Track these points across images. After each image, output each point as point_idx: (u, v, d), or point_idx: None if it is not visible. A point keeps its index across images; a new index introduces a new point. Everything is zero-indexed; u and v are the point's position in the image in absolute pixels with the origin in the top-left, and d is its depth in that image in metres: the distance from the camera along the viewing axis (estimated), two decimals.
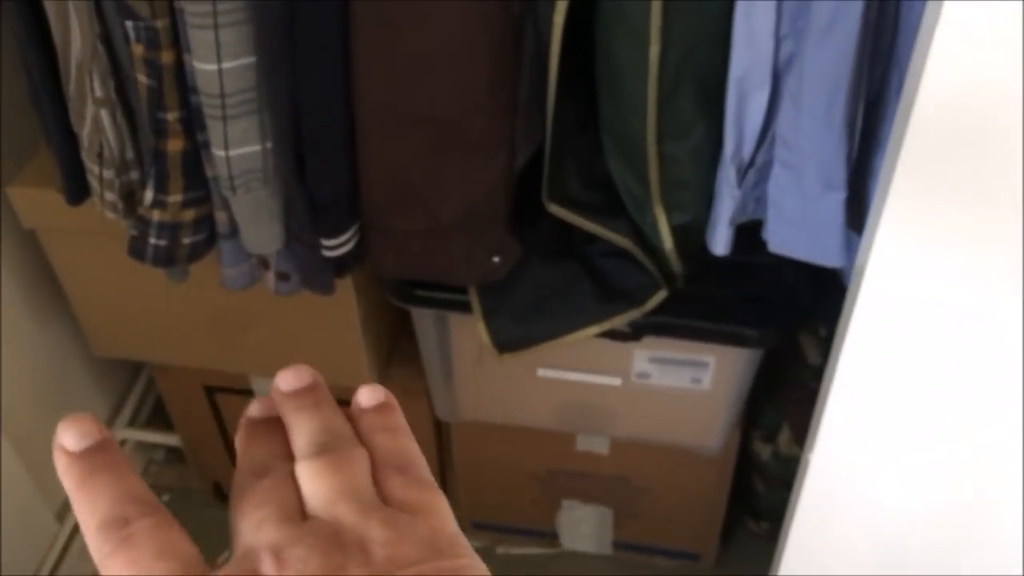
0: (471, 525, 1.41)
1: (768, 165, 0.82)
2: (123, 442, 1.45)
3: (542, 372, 1.04)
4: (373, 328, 1.13)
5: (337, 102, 0.78)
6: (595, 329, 0.93)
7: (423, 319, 1.02)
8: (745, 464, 1.30)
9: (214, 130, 0.78)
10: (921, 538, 0.84)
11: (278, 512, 0.28)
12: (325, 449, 0.29)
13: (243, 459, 0.30)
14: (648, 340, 0.96)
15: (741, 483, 1.33)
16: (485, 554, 1.41)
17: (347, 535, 0.27)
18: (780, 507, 0.98)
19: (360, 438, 0.30)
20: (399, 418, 0.31)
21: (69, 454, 0.28)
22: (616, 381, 1.04)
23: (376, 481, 0.29)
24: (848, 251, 0.81)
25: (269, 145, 0.81)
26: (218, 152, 0.80)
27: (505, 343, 0.94)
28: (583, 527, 1.36)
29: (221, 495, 1.47)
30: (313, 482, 0.28)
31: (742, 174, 0.82)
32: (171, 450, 1.51)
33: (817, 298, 0.95)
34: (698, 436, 1.12)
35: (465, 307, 0.95)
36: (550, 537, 1.39)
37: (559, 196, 0.88)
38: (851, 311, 0.71)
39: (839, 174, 0.76)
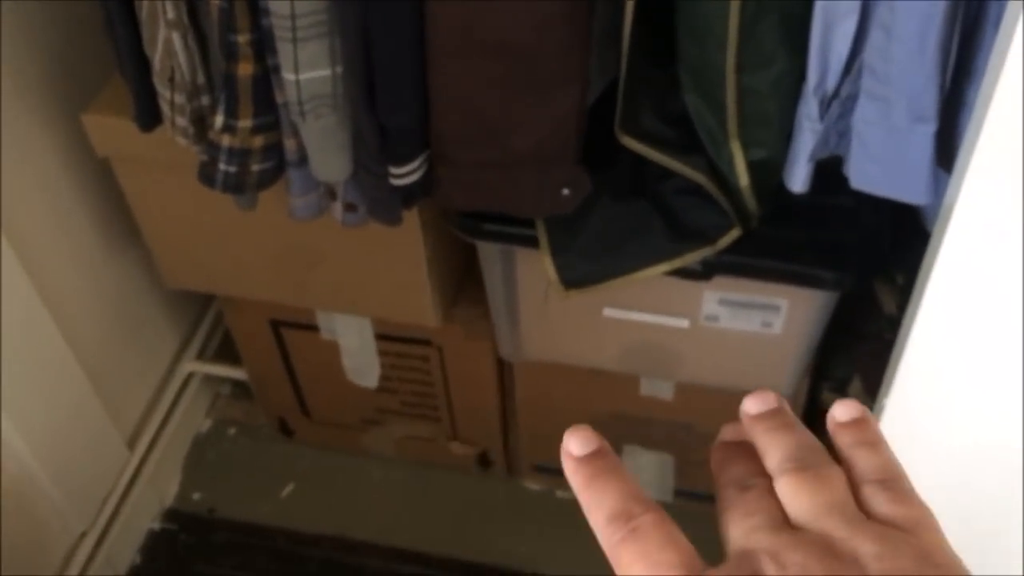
0: (533, 468, 1.41)
1: (853, 97, 0.78)
2: (190, 375, 1.48)
3: (608, 312, 1.03)
4: (439, 266, 1.12)
5: (408, 27, 0.77)
6: (665, 267, 0.91)
7: (489, 254, 1.01)
8: (813, 416, 1.27)
9: (284, 53, 0.78)
10: (981, 487, 0.81)
11: (769, 521, 0.29)
12: (802, 466, 0.30)
13: (723, 474, 0.32)
14: (719, 281, 0.94)
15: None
16: (544, 498, 1.41)
17: (838, 547, 0.28)
18: None
19: (839, 453, 0.31)
20: (877, 431, 0.32)
21: (575, 459, 0.31)
22: (684, 323, 1.02)
23: (859, 497, 0.30)
24: (936, 189, 0.78)
25: (339, 70, 0.80)
26: (288, 76, 0.79)
27: (572, 279, 0.93)
28: (645, 474, 1.35)
29: (286, 430, 1.49)
30: (795, 497, 0.29)
31: (826, 106, 0.79)
32: (237, 384, 1.53)
33: (896, 243, 0.91)
34: (766, 383, 1.09)
35: (532, 242, 0.93)
36: None
37: (633, 129, 0.85)
38: (936, 253, 0.68)
39: (931, 106, 0.73)
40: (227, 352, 1.46)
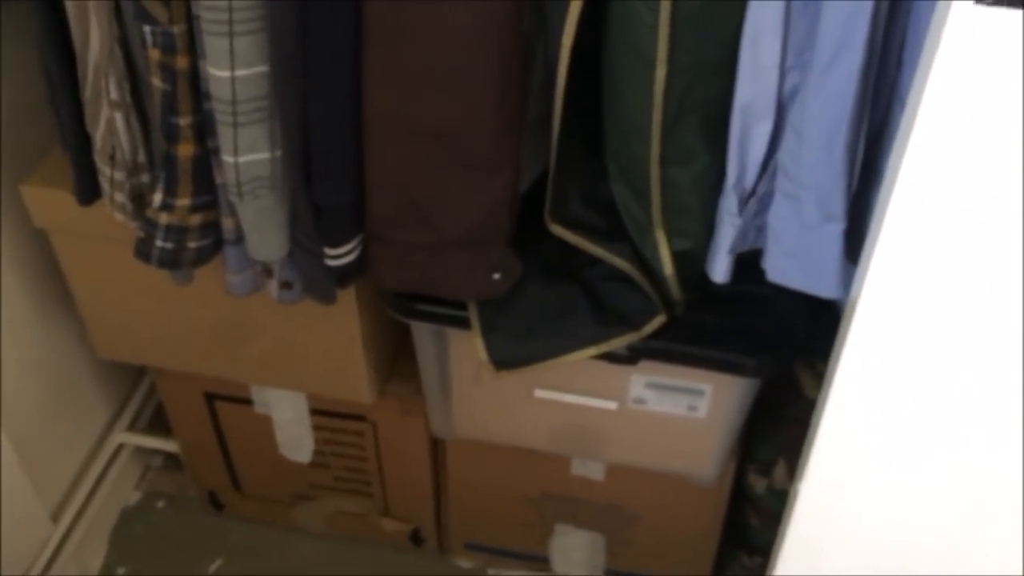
0: (465, 546, 1.41)
1: (769, 195, 0.83)
2: (121, 447, 1.46)
3: (539, 393, 1.05)
4: (374, 343, 1.14)
5: (346, 112, 0.80)
6: (592, 351, 0.94)
7: (422, 334, 1.03)
8: (740, 497, 1.30)
9: (225, 136, 0.80)
10: (913, 570, 0.84)
11: None
12: None
13: None
14: (645, 365, 0.97)
15: (735, 516, 1.33)
16: None
17: None
18: (774, 542, 0.98)
19: None
20: None
21: None
22: (612, 405, 1.05)
23: None
24: (846, 283, 0.82)
25: (278, 153, 0.82)
26: (227, 158, 0.81)
27: (503, 360, 0.95)
28: (576, 553, 1.36)
29: (217, 503, 1.47)
30: None
31: (743, 203, 0.83)
32: (169, 456, 1.51)
33: (814, 331, 0.95)
34: (693, 465, 1.12)
35: (464, 323, 0.95)
36: (542, 561, 1.39)
37: (562, 217, 0.89)
38: (844, 340, 0.72)
39: (838, 205, 0.77)
40: (159, 424, 1.45)
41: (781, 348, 0.95)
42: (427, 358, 1.05)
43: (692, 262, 0.90)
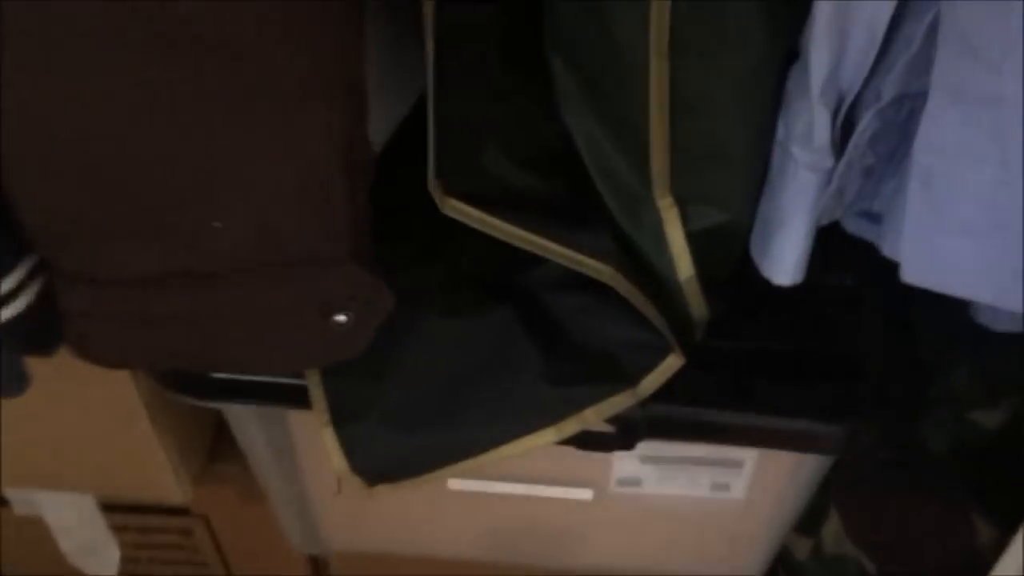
0: None
1: (905, 100, 0.39)
2: None
3: (456, 485, 0.60)
4: (171, 417, 0.68)
5: None
6: (548, 436, 0.49)
7: (242, 419, 0.57)
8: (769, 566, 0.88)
9: None
10: None
11: None
12: None
13: None
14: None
15: None
16: None
17: None
18: None
19: None
20: None
21: None
22: (585, 494, 0.61)
23: None
24: None
25: None
26: None
27: (374, 469, 0.50)
28: None
29: None
30: None
31: (843, 131, 0.39)
32: None
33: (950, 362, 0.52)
34: (720, 568, 0.69)
35: (302, 396, 0.50)
36: None
37: (464, 184, 0.43)
38: None
39: None
40: None
41: (887, 400, 0.52)
42: (258, 453, 0.60)
43: (725, 250, 0.47)
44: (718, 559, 0.67)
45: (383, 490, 0.51)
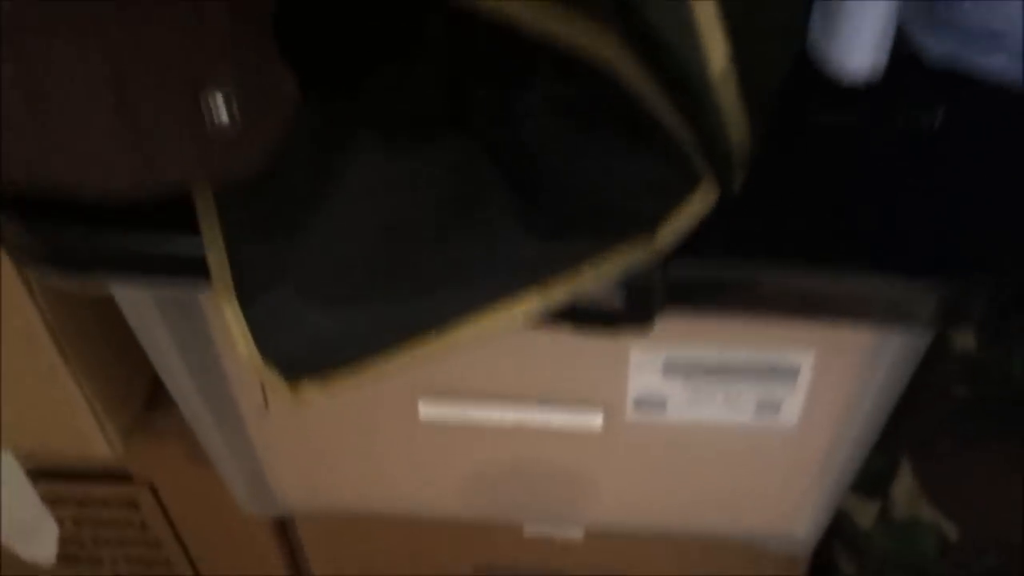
0: None
1: None
2: None
3: (426, 410, 0.47)
4: (90, 352, 0.55)
5: None
6: (530, 302, 0.35)
7: (142, 315, 0.44)
8: (824, 533, 0.73)
9: None
10: None
11: None
12: None
13: None
14: (667, 324, 0.39)
15: (814, 563, 0.77)
16: None
17: None
18: None
19: None
20: None
21: None
22: (594, 419, 0.47)
23: None
24: None
25: None
26: None
27: (296, 357, 0.36)
28: None
29: None
30: None
31: None
32: None
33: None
34: (763, 523, 0.55)
35: (199, 267, 0.37)
36: None
37: None
38: None
39: None
40: None
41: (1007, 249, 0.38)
42: (171, 367, 0.47)
43: (774, 27, 0.33)
44: (760, 515, 0.53)
45: (317, 399, 0.38)
